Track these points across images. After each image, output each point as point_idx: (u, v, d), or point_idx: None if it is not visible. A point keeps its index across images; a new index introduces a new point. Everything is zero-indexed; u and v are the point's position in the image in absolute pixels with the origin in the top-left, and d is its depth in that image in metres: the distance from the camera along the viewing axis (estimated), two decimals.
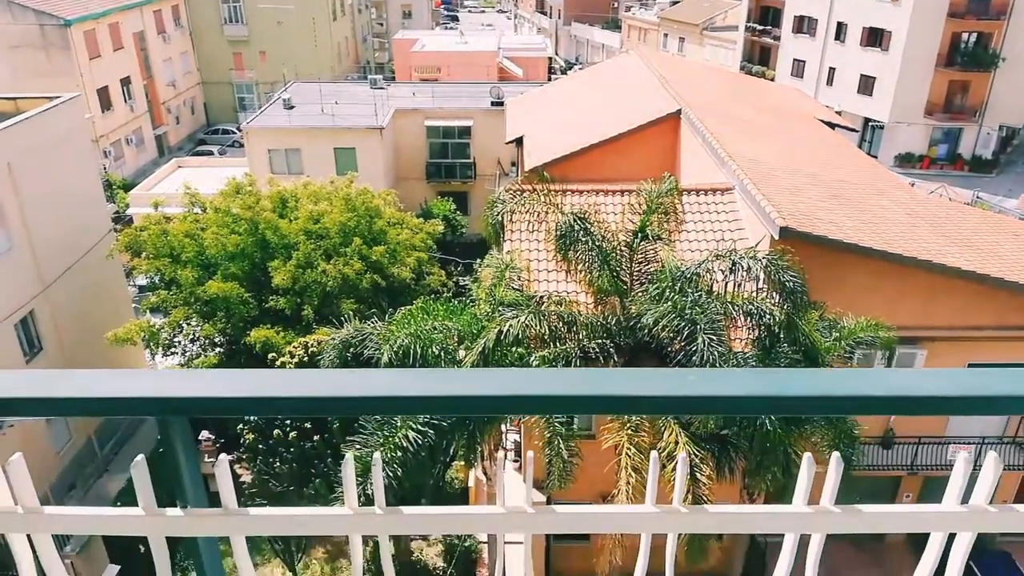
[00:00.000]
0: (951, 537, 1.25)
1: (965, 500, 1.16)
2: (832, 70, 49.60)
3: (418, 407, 1.13)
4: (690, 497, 12.82)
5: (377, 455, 1.20)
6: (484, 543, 18.69)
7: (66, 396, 1.07)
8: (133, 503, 1.22)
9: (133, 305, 26.21)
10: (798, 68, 52.93)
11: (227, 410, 1.08)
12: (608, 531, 1.14)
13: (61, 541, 16.70)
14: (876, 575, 18.23)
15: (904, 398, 1.05)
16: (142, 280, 27.06)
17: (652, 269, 14.17)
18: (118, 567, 16.98)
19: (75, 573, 16.22)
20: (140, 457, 1.16)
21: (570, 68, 71.07)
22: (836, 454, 1.14)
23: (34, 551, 1.25)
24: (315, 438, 15.87)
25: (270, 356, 17.51)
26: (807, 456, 1.16)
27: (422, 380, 1.09)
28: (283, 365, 16.62)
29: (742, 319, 13.78)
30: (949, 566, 1.24)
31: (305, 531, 1.19)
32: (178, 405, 1.08)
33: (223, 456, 1.16)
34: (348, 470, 1.18)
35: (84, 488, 20.80)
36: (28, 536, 1.21)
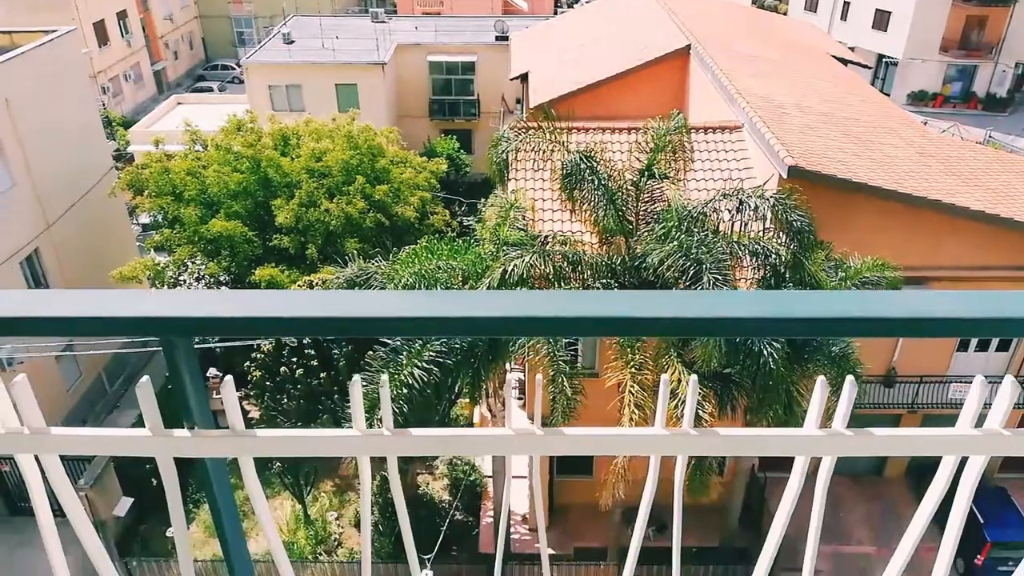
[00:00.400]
0: (961, 465, 1.25)
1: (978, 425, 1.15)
2: (847, 4, 48.22)
3: (426, 328, 1.12)
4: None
5: (384, 376, 1.18)
6: (489, 477, 19.09)
7: (69, 316, 1.05)
8: None
9: (137, 244, 26.23)
10: (812, 2, 51.45)
11: (231, 330, 1.06)
12: (617, 453, 1.14)
13: (74, 475, 17.11)
14: (875, 509, 18.62)
15: (916, 319, 1.02)
16: (145, 219, 27.04)
17: (658, 208, 14.05)
18: (131, 499, 17.41)
19: (90, 506, 16.64)
20: (145, 378, 1.15)
21: (577, 1, 69.24)
22: (850, 377, 1.12)
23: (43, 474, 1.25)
24: (322, 375, 16.06)
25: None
26: (820, 379, 1.14)
27: (430, 301, 1.07)
28: None
29: (748, 259, 13.74)
30: (959, 491, 1.24)
31: (313, 452, 1.18)
32: (182, 326, 1.06)
33: (228, 377, 1.15)
34: (355, 391, 1.16)
35: (95, 424, 21.20)
36: (36, 458, 1.21)
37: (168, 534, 15.42)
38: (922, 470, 18.77)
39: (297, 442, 1.17)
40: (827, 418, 1.19)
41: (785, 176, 14.44)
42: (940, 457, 1.26)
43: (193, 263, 20.74)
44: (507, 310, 1.04)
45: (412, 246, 15.33)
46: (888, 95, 39.28)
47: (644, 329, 1.07)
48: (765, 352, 12.45)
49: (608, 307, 1.05)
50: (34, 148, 20.34)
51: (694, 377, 1.19)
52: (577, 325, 1.06)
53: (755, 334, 1.07)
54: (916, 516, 1.41)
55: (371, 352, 13.58)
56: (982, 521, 16.57)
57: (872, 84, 37.81)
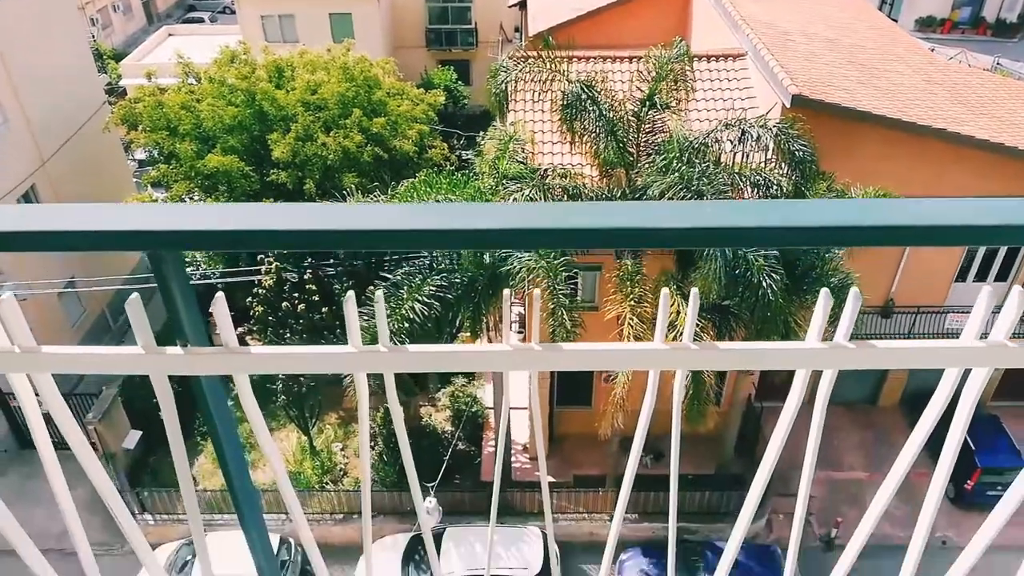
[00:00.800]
0: (961, 383, 1.24)
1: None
2: None
3: (423, 241, 1.09)
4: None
5: (379, 293, 1.16)
6: (490, 408, 19.40)
7: (55, 230, 1.02)
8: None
9: (134, 180, 25.97)
10: None
11: (222, 243, 1.04)
12: (616, 368, 1.12)
13: (82, 409, 17.38)
14: (869, 436, 18.98)
15: (929, 227, 1.00)
16: (141, 154, 26.71)
17: (659, 140, 13.85)
18: (140, 432, 17.74)
19: (99, 439, 16.95)
20: (135, 295, 1.12)
21: None
22: (854, 290, 1.10)
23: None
24: (323, 310, 16.13)
25: None
26: (824, 291, 1.12)
27: (428, 214, 1.04)
28: None
29: (749, 190, 13.64)
30: (960, 404, 1.23)
31: (309, 369, 1.17)
32: (170, 239, 1.03)
33: (219, 294, 1.13)
34: (350, 307, 1.14)
35: None
36: (29, 377, 1.20)
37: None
38: (916, 399, 19.05)
39: (292, 359, 1.16)
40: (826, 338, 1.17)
41: (788, 105, 14.18)
42: (936, 383, 1.25)
43: (191, 199, 20.58)
44: (506, 222, 1.01)
45: (410, 180, 15.20)
46: (896, 20, 38.23)
47: (646, 240, 1.04)
48: (764, 283, 12.47)
49: (609, 218, 1.02)
50: (25, 84, 19.93)
51: (695, 290, 1.17)
52: (577, 237, 1.03)
53: (759, 244, 1.04)
54: (914, 433, 1.41)
55: (372, 287, 13.62)
56: (973, 448, 16.92)
57: (879, 9, 36.77)
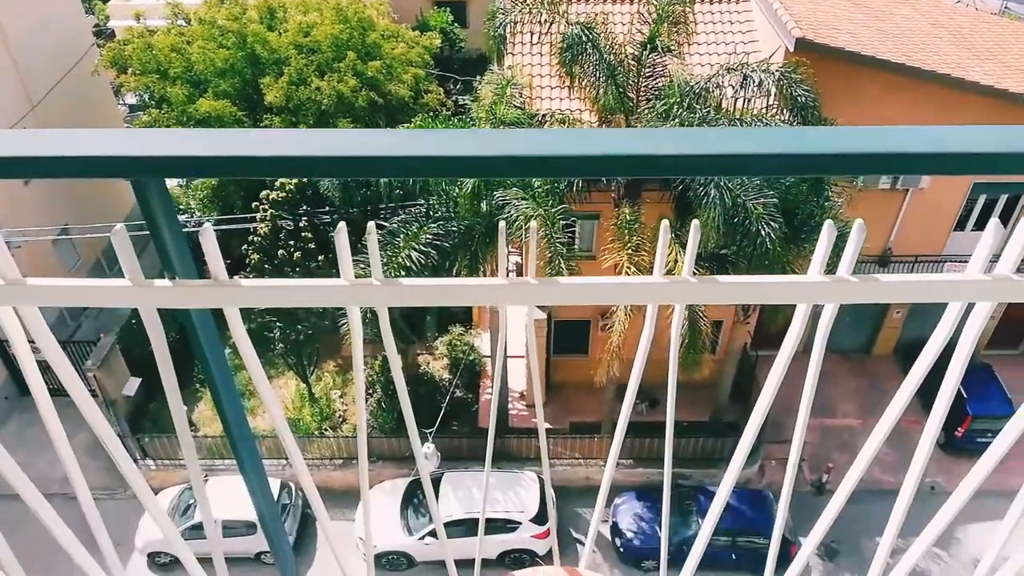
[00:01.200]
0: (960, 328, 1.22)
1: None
2: None
3: (412, 168, 1.05)
4: (686, 312, 13.18)
5: (371, 224, 1.13)
6: (487, 357, 19.53)
7: (35, 155, 0.98)
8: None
9: (125, 125, 25.59)
10: None
11: (207, 170, 1.00)
12: (615, 302, 1.10)
13: (81, 357, 17.45)
14: (862, 384, 19.19)
15: (941, 155, 0.96)
16: (132, 99, 26.24)
17: (660, 85, 13.63)
18: (139, 379, 17.86)
19: (98, 386, 17.07)
20: (120, 226, 1.09)
21: None
22: (859, 221, 1.07)
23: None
24: (320, 258, 16.08)
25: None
26: (828, 223, 1.09)
27: (419, 140, 1.00)
28: (282, 185, 16.49)
29: None
30: (962, 339, 1.22)
31: (300, 302, 1.14)
32: (153, 165, 0.99)
33: (207, 224, 1.10)
34: (341, 238, 1.11)
35: (98, 307, 21.44)
36: (16, 311, 1.18)
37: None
38: (911, 348, 19.21)
39: (283, 291, 1.13)
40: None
41: (792, 49, 13.92)
42: (933, 331, 1.23)
43: None
44: (501, 149, 0.98)
45: (406, 126, 14.99)
46: None
47: (646, 168, 1.00)
48: (763, 232, 12.43)
49: (607, 144, 0.98)
50: (11, 25, 19.45)
51: (696, 221, 1.14)
52: (574, 164, 1.00)
53: (765, 172, 1.01)
54: (909, 375, 1.40)
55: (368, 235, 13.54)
56: (965, 396, 17.13)
57: None
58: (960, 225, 17.55)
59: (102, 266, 22.30)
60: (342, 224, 1.11)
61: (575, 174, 1.02)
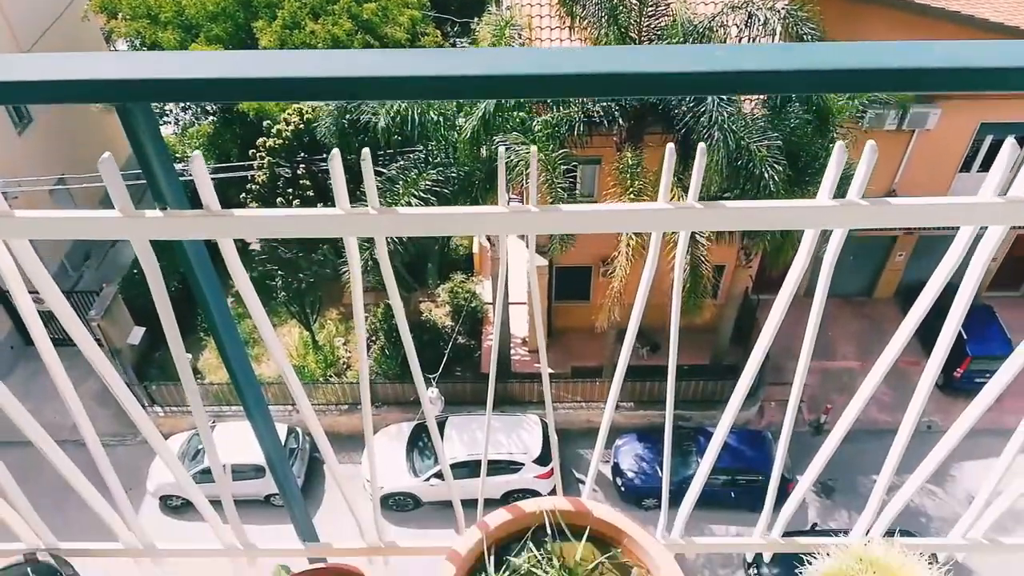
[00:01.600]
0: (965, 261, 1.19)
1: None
2: None
3: (404, 89, 1.01)
4: (689, 256, 13.17)
5: (366, 151, 1.10)
6: (489, 304, 19.58)
7: (17, 80, 0.94)
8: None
9: None
10: None
11: (194, 94, 0.96)
12: (619, 230, 1.07)
13: (84, 307, 17.51)
14: (863, 327, 19.26)
15: (959, 69, 0.92)
16: (123, 45, 25.72)
17: (662, 24, 13.31)
18: (143, 328, 17.96)
19: (103, 336, 17.17)
20: (107, 155, 1.06)
21: None
22: (871, 143, 1.04)
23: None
24: (318, 205, 15.98)
25: (265, 124, 17.10)
26: (839, 144, 1.06)
27: (410, 59, 0.96)
28: (278, 132, 16.30)
29: None
30: (973, 262, 1.19)
31: (295, 232, 1.12)
32: (139, 89, 0.96)
33: (196, 152, 1.06)
34: (335, 165, 1.08)
35: (99, 257, 21.41)
36: (6, 244, 1.15)
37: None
38: (912, 291, 19.19)
39: (277, 221, 1.10)
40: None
41: None
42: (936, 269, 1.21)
43: None
44: (493, 68, 0.93)
45: None
46: None
47: (655, 87, 0.96)
48: (766, 175, 12.32)
49: (607, 63, 0.94)
50: None
51: (703, 144, 1.10)
52: (591, 83, 0.95)
53: (774, 90, 0.97)
54: (913, 307, 1.38)
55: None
56: (965, 337, 17.20)
57: None
58: (966, 166, 17.35)
59: None
60: (335, 151, 1.07)
61: (582, 95, 0.98)
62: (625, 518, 1.65)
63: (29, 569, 1.65)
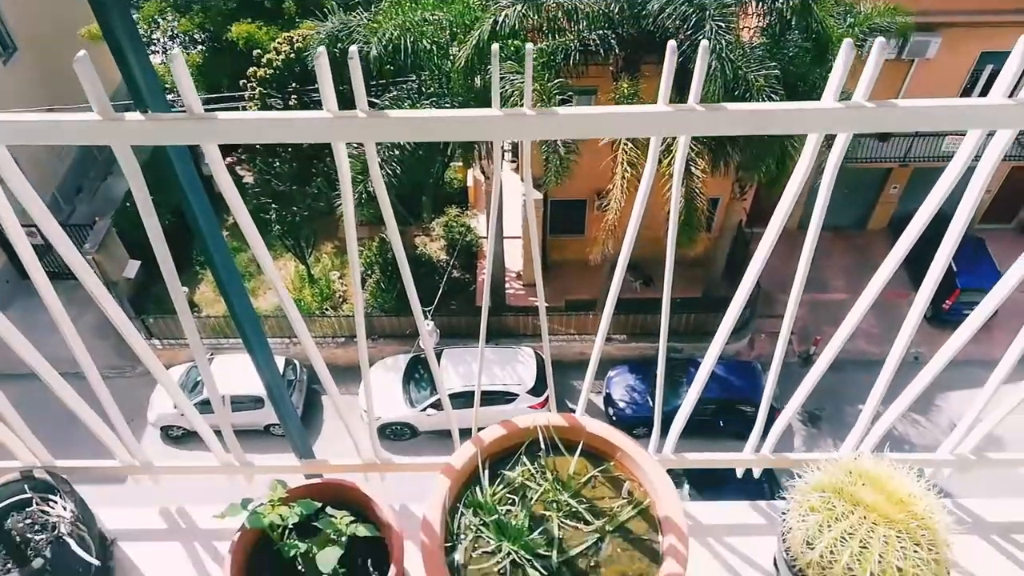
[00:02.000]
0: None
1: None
2: None
3: None
4: (683, 189, 13.07)
5: (353, 48, 1.05)
6: (484, 238, 19.53)
7: None
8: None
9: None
10: None
11: None
12: (617, 135, 1.04)
13: (78, 240, 17.40)
14: (855, 260, 19.32)
15: None
16: None
17: None
18: (139, 262, 17.90)
19: (98, 269, 17.11)
20: (82, 53, 1.01)
21: None
22: (880, 39, 1.00)
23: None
24: None
25: (255, 53, 16.66)
26: (847, 42, 1.02)
27: None
28: (269, 62, 15.91)
29: (753, 5, 12.93)
30: (980, 166, 1.17)
31: (282, 137, 1.08)
32: None
33: (176, 51, 1.02)
34: (322, 64, 1.04)
35: (91, 191, 21.16)
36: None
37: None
38: (905, 223, 19.15)
39: (263, 125, 1.07)
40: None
41: None
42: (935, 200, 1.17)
43: (164, 20, 19.43)
44: None
45: None
46: None
47: None
48: (764, 99, 12.14)
49: None
50: None
51: (704, 42, 1.06)
52: None
53: None
54: (914, 219, 1.36)
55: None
56: (955, 269, 17.29)
57: None
58: (966, 94, 17.13)
59: (91, 148, 21.85)
60: (322, 48, 1.03)
61: None
62: (618, 433, 1.66)
63: (26, 486, 1.67)
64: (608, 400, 16.84)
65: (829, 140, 1.12)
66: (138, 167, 1.17)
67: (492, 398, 15.81)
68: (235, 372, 13.00)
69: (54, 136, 1.07)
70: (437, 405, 15.98)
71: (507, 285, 18.86)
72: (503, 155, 18.99)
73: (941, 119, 1.04)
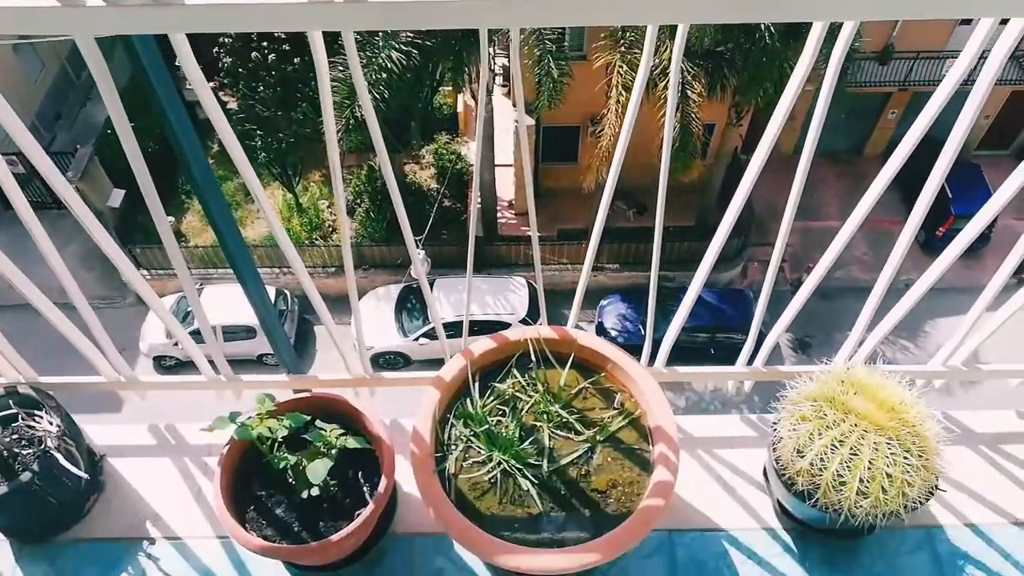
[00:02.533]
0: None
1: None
2: None
3: None
4: (679, 114, 12.86)
5: None
6: (473, 166, 19.30)
7: None
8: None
9: None
10: None
11: None
12: (610, 21, 0.97)
13: (59, 168, 17.08)
14: (849, 187, 19.23)
15: None
16: None
17: None
18: (123, 191, 17.64)
19: (83, 198, 16.86)
20: None
21: None
22: None
23: None
24: (295, 60, 15.31)
25: None
26: None
27: None
28: None
29: None
30: (989, 61, 1.11)
31: (255, 25, 1.01)
32: None
33: None
34: None
35: (71, 118, 20.66)
36: None
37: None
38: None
39: (236, 12, 0.99)
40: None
41: None
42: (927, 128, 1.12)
43: None
44: None
45: None
46: None
47: None
48: (762, 27, 11.84)
49: None
50: None
51: None
52: None
53: None
54: (910, 130, 1.31)
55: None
56: (950, 196, 17.24)
57: None
58: (966, 19, 16.73)
59: (68, 72, 21.25)
60: None
61: None
62: (609, 345, 1.65)
63: (11, 401, 1.65)
64: (600, 329, 16.97)
65: (826, 52, 1.05)
66: (106, 67, 1.10)
67: (485, 327, 15.91)
68: (225, 302, 13.00)
69: (9, 25, 1.00)
70: (429, 335, 16.08)
71: (499, 214, 18.73)
72: (493, 78, 18.54)
73: (951, 5, 0.98)
